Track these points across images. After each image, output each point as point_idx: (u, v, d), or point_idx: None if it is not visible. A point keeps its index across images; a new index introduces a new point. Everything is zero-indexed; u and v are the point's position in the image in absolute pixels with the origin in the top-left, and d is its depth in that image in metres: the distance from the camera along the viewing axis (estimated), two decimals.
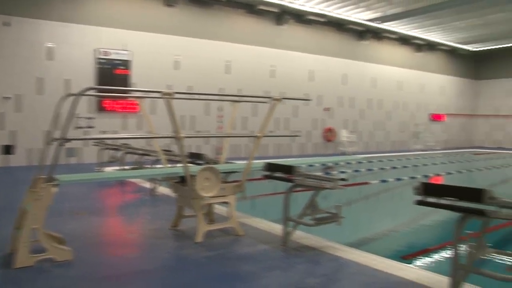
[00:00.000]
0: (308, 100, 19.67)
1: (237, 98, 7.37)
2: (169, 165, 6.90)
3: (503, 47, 28.72)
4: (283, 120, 20.33)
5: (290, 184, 5.35)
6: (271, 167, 5.70)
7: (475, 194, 3.45)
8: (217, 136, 17.55)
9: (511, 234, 6.68)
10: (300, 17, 20.82)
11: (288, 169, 5.41)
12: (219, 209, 6.90)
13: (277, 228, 5.94)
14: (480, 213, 3.48)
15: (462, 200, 3.58)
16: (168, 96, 4.97)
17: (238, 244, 5.52)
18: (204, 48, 18.17)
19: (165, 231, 6.09)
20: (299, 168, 5.29)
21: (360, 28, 23.05)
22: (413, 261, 5.37)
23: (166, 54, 17.24)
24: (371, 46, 24.27)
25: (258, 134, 5.83)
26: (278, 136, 20.39)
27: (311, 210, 5.25)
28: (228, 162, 7.13)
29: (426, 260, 5.54)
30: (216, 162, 6.71)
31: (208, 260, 4.86)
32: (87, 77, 15.22)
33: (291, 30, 20.77)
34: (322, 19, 21.32)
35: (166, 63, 17.26)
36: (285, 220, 5.34)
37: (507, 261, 3.79)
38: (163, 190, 9.15)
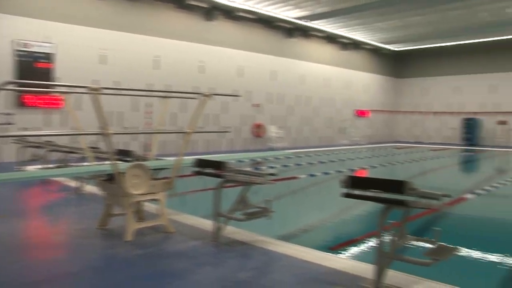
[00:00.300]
0: (237, 96, 19.76)
1: (166, 94, 7.26)
2: (96, 163, 6.69)
3: (421, 48, 30.45)
4: (212, 116, 20.30)
5: (220, 179, 5.37)
6: (201, 163, 5.68)
7: (397, 186, 3.64)
8: (145, 133, 17.25)
9: (429, 222, 7.08)
10: (230, 13, 20.85)
11: (218, 165, 5.41)
12: (148, 206, 6.78)
13: (208, 224, 5.93)
14: (402, 203, 3.67)
15: (385, 191, 3.76)
16: (95, 91, 4.81)
17: (169, 241, 5.46)
18: (132, 42, 17.72)
19: (93, 230, 5.90)
20: (229, 163, 5.32)
21: (288, 26, 23.47)
22: (341, 251, 5.56)
23: (93, 47, 16.64)
24: (299, 43, 24.78)
25: (188, 130, 5.79)
26: (208, 132, 20.34)
27: (241, 205, 5.29)
28: (157, 159, 7.02)
29: (353, 250, 5.77)
30: (145, 159, 6.58)
31: (138, 258, 4.77)
32: (3, 71, 14.34)
33: (220, 26, 20.75)
34: (251, 16, 21.48)
35: (93, 57, 16.65)
36: (216, 215, 5.35)
37: (425, 247, 4.02)
38: (90, 188, 8.85)
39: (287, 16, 22.15)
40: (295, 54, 24.61)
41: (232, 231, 5.72)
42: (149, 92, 15.71)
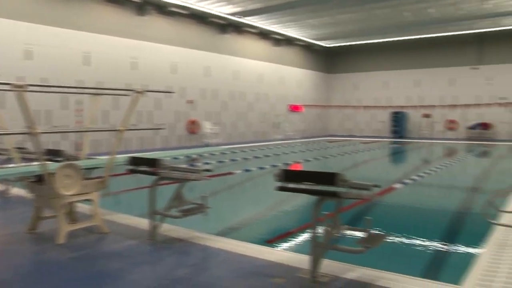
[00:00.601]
0: (171, 92, 19.50)
1: (97, 91, 7.06)
2: (23, 164, 6.39)
3: (351, 45, 31.50)
4: (146, 113, 19.92)
5: (154, 177, 5.30)
6: (135, 161, 5.58)
7: (329, 178, 3.77)
8: (76, 131, 16.62)
9: (362, 212, 7.37)
10: (162, 8, 20.51)
11: (152, 163, 5.34)
12: (81, 207, 6.57)
13: (144, 223, 5.84)
14: (334, 194, 3.81)
15: (318, 184, 3.89)
16: (19, 88, 4.59)
17: (104, 242, 5.33)
18: (60, 37, 16.97)
19: (22, 235, 5.63)
20: (164, 161, 5.27)
21: (222, 22, 23.45)
22: (278, 244, 5.67)
23: (16, 42, 15.77)
24: (232, 39, 24.82)
25: (120, 128, 5.67)
26: (141, 129, 19.91)
27: (177, 202, 5.26)
28: (89, 158, 6.83)
29: (289, 242, 5.90)
30: (76, 159, 6.38)
31: (72, 261, 4.63)
32: None
33: (153, 21, 20.37)
34: (184, 12, 21.26)
35: (16, 52, 15.79)
36: (152, 213, 5.28)
37: (357, 236, 4.20)
38: (17, 191, 8.44)
39: (220, 12, 22.12)
40: (228, 50, 24.64)
41: (168, 228, 5.68)
42: (79, 89, 15.16)
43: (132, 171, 5.62)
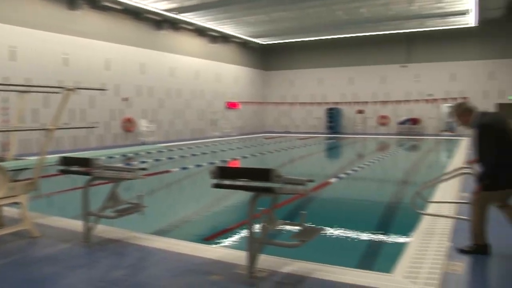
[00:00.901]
0: (104, 90, 18.94)
1: (24, 88, 6.75)
2: None
3: (287, 42, 31.93)
4: (79, 111, 19.22)
5: (88, 177, 5.15)
6: (66, 161, 5.38)
7: (264, 174, 3.82)
8: (2, 131, 15.79)
9: (299, 207, 7.51)
10: (95, 3, 19.85)
11: (85, 162, 5.18)
12: (9, 211, 6.27)
13: (78, 225, 5.65)
14: (269, 190, 3.87)
15: (253, 180, 3.93)
16: None
17: (35, 247, 5.10)
18: None
19: None
20: (97, 160, 5.12)
21: (157, 18, 23.05)
22: (215, 241, 5.68)
23: None
24: (169, 36, 24.47)
25: (50, 127, 5.45)
26: (73, 128, 19.13)
27: (112, 202, 5.14)
28: (17, 159, 6.52)
29: (227, 239, 5.92)
30: (2, 160, 6.08)
31: (1, 268, 4.41)
32: None
33: (85, 16, 19.65)
34: (118, 7, 20.70)
35: None
36: (85, 215, 5.13)
37: (294, 230, 4.29)
38: None
39: (155, 8, 21.73)
40: (164, 46, 24.27)
41: (104, 229, 5.54)
42: (4, 86, 14.39)
43: (64, 172, 5.43)
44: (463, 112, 4.76)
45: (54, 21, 18.40)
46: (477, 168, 4.68)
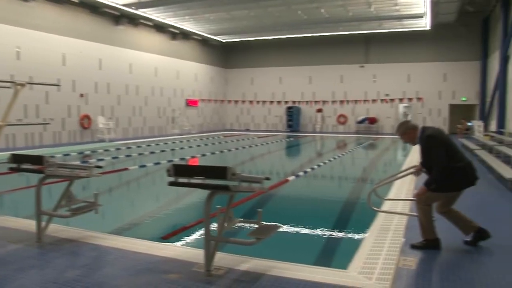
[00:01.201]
0: (57, 85, 18.38)
1: None
2: None
3: (247, 40, 31.96)
4: (33, 107, 18.58)
5: (40, 175, 5.00)
6: (17, 159, 5.19)
7: (220, 172, 3.81)
8: None
9: (257, 205, 7.55)
10: None
11: (37, 160, 5.02)
12: None
13: (30, 224, 5.50)
14: (225, 188, 3.87)
15: (210, 178, 3.92)
16: None
17: None
18: None
19: None
20: (50, 158, 4.98)
21: (115, 13, 22.59)
22: (173, 240, 5.64)
23: None
24: (127, 31, 24.03)
25: (0, 123, 5.27)
26: (26, 124, 18.47)
27: (66, 201, 5.02)
28: None
29: (185, 237, 5.89)
30: None
31: None
32: None
33: (40, 8, 18.99)
34: (75, 0, 20.15)
35: None
36: (38, 214, 4.99)
37: (250, 228, 4.31)
38: None
39: (113, 2, 21.28)
40: (123, 42, 23.81)
41: (58, 229, 5.41)
42: None
43: (15, 170, 5.26)
44: (409, 130, 5.08)
45: (6, 13, 17.66)
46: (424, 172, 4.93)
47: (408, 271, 4.18)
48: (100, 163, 13.25)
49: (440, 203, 4.93)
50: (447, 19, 24.59)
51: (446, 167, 4.70)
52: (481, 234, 4.96)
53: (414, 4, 22.17)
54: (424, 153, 4.90)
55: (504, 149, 13.88)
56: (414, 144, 5.11)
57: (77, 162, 11.86)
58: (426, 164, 4.92)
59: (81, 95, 21.06)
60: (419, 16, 24.23)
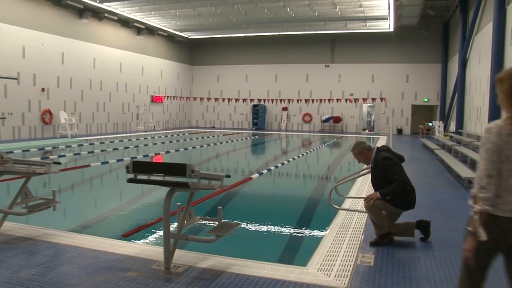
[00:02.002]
0: (15, 78, 17.82)
1: None
2: None
3: (214, 37, 31.85)
4: None
5: None
6: None
7: (180, 169, 3.80)
8: None
9: (219, 202, 7.54)
10: None
11: None
12: None
13: None
14: (184, 185, 3.86)
15: (170, 175, 3.90)
16: None
17: None
18: None
19: None
20: (6, 153, 4.84)
21: (79, 6, 22.10)
22: (133, 238, 5.57)
23: None
24: (91, 25, 23.55)
25: None
26: None
27: (23, 198, 4.89)
28: None
29: (145, 235, 5.82)
30: None
31: None
32: None
33: None
34: None
35: None
36: None
37: (211, 224, 4.32)
38: None
39: None
40: (86, 36, 23.32)
41: (14, 227, 5.27)
42: None
43: None
44: (365, 151, 5.28)
45: None
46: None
47: (366, 268, 4.27)
48: (62, 160, 12.98)
49: (386, 215, 5.06)
50: (410, 22, 25.16)
51: (405, 181, 4.95)
52: (422, 225, 5.20)
53: (378, 6, 22.58)
54: (379, 172, 5.07)
55: (462, 149, 14.33)
56: (368, 163, 5.35)
57: (37, 158, 11.58)
58: (376, 182, 5.11)
59: (43, 90, 20.52)
60: (383, 18, 24.70)
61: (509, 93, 2.48)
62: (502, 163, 2.46)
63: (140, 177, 3.96)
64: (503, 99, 2.54)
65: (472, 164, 12.24)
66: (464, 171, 9.98)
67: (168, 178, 3.91)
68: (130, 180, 3.99)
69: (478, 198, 2.47)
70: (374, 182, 5.16)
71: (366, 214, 6.16)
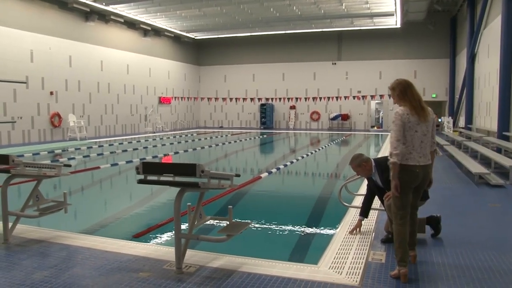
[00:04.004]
0: (24, 82, 17.91)
1: None
2: None
3: (220, 37, 31.84)
4: (0, 105, 18.11)
5: (7, 175, 4.90)
6: None
7: (189, 169, 3.81)
8: None
9: (230, 202, 7.55)
10: None
11: (3, 159, 4.90)
12: None
13: None
14: (194, 185, 3.86)
15: (180, 175, 3.90)
16: None
17: None
18: None
19: None
20: (17, 157, 4.88)
21: (85, 9, 22.17)
22: (144, 238, 5.59)
23: None
24: (98, 28, 23.65)
25: None
26: None
27: (34, 200, 4.93)
28: None
29: (157, 235, 5.84)
30: None
31: None
32: None
33: (6, 3, 18.45)
34: None
35: None
36: (5, 215, 4.88)
37: (221, 224, 4.32)
38: None
39: None
40: (93, 39, 23.42)
41: (26, 230, 5.31)
42: None
43: None
44: (364, 163, 5.03)
45: None
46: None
47: (377, 265, 4.25)
48: (72, 162, 13.06)
49: None
50: (417, 17, 25.01)
51: None
52: (432, 221, 5.17)
53: (384, 2, 22.47)
54: (388, 174, 4.92)
55: (471, 144, 14.23)
56: (368, 176, 5.13)
57: (47, 161, 11.66)
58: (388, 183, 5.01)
59: (51, 93, 20.65)
60: (389, 14, 24.57)
61: (400, 96, 4.26)
62: (406, 131, 3.91)
63: (150, 178, 3.97)
64: (397, 100, 4.29)
65: (483, 160, 12.16)
66: (474, 167, 9.91)
67: (178, 179, 3.92)
68: (140, 181, 4.00)
69: (392, 155, 3.83)
70: (386, 185, 5.05)
71: (377, 212, 6.15)
